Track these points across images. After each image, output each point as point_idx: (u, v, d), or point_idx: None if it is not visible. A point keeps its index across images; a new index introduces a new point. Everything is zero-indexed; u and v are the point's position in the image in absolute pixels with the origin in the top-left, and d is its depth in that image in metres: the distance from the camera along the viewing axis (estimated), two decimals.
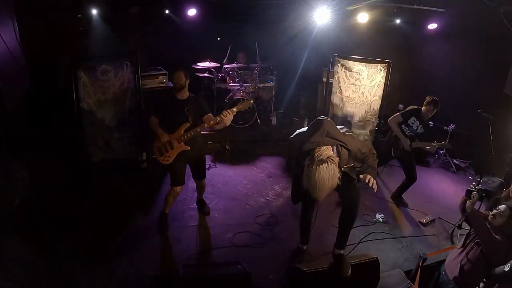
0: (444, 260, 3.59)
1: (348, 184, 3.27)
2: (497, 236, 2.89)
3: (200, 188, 4.65)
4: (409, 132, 4.84)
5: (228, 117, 3.89)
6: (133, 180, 5.30)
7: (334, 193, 3.33)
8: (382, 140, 5.22)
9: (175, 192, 4.19)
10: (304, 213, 3.84)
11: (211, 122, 3.97)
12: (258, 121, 6.92)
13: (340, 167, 2.99)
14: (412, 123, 4.80)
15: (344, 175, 3.26)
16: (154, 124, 4.04)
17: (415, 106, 4.85)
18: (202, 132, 4.10)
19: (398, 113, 4.88)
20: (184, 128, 3.96)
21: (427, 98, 4.73)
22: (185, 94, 4.09)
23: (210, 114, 4.08)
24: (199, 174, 4.43)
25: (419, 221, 4.76)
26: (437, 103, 4.66)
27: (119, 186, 5.10)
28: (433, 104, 4.65)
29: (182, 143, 3.98)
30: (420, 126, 4.79)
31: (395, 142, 4.88)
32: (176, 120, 3.99)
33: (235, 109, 3.93)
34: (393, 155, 4.91)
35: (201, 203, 4.77)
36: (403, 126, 4.84)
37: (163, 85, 5.81)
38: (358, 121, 6.21)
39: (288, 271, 3.59)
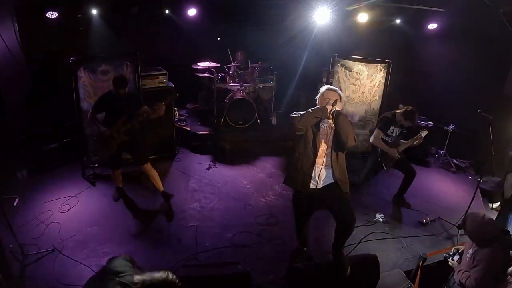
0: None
1: (341, 203, 3.27)
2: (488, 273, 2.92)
3: (151, 177, 4.71)
4: (391, 140, 4.85)
5: (161, 109, 4.37)
6: (133, 180, 5.30)
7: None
8: (366, 156, 5.27)
9: (118, 174, 4.82)
10: (301, 224, 3.83)
11: (144, 115, 4.41)
12: (258, 121, 6.91)
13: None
14: (391, 132, 4.84)
15: (336, 186, 3.29)
16: (96, 121, 4.48)
17: (387, 115, 4.89)
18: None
19: (376, 129, 4.85)
20: (122, 121, 4.38)
21: (405, 109, 4.74)
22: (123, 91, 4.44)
23: (145, 107, 4.46)
24: (138, 159, 4.66)
25: (419, 221, 4.76)
26: (413, 116, 4.67)
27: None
28: (410, 117, 4.67)
29: (122, 134, 4.41)
30: (397, 130, 4.83)
31: (384, 157, 4.83)
32: (115, 115, 4.40)
33: (163, 102, 4.37)
34: (386, 168, 4.88)
35: (164, 196, 4.79)
36: (383, 137, 4.83)
37: (163, 85, 5.80)
38: (358, 121, 6.21)
39: (288, 271, 3.59)
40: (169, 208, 4.72)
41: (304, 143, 3.34)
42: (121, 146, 4.50)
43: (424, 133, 4.69)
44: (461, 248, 3.48)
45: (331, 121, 3.30)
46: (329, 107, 3.26)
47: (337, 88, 3.46)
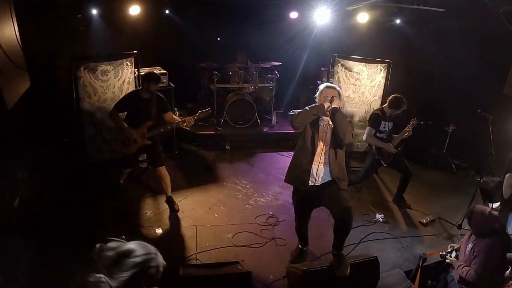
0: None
1: (338, 200, 3.26)
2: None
3: (163, 180, 4.62)
4: (384, 135, 4.87)
5: (190, 123, 4.31)
6: (133, 180, 5.30)
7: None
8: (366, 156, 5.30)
9: (126, 171, 4.89)
10: (300, 222, 3.85)
11: (174, 124, 4.40)
12: (258, 121, 6.92)
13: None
14: (384, 127, 4.85)
15: (334, 184, 3.30)
16: (118, 119, 4.39)
17: (376, 112, 4.89)
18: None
19: (368, 127, 4.86)
20: (147, 126, 4.35)
21: (390, 99, 4.78)
22: (149, 93, 4.38)
23: (170, 112, 4.48)
24: (155, 161, 4.60)
25: (419, 221, 4.76)
26: (399, 102, 4.69)
27: (119, 185, 5.09)
28: (396, 104, 4.70)
29: (145, 139, 4.37)
30: (389, 124, 4.85)
31: (380, 153, 4.84)
32: (140, 117, 4.34)
33: (195, 117, 4.33)
34: (385, 165, 4.88)
35: (169, 201, 4.73)
36: (377, 134, 4.85)
37: (163, 85, 5.80)
38: (358, 121, 6.21)
39: (288, 271, 3.59)
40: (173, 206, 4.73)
41: (303, 141, 3.37)
42: (141, 148, 4.46)
43: (413, 123, 4.70)
44: (457, 245, 3.51)
45: (328, 118, 3.32)
46: (326, 105, 3.29)
47: (336, 86, 3.49)
